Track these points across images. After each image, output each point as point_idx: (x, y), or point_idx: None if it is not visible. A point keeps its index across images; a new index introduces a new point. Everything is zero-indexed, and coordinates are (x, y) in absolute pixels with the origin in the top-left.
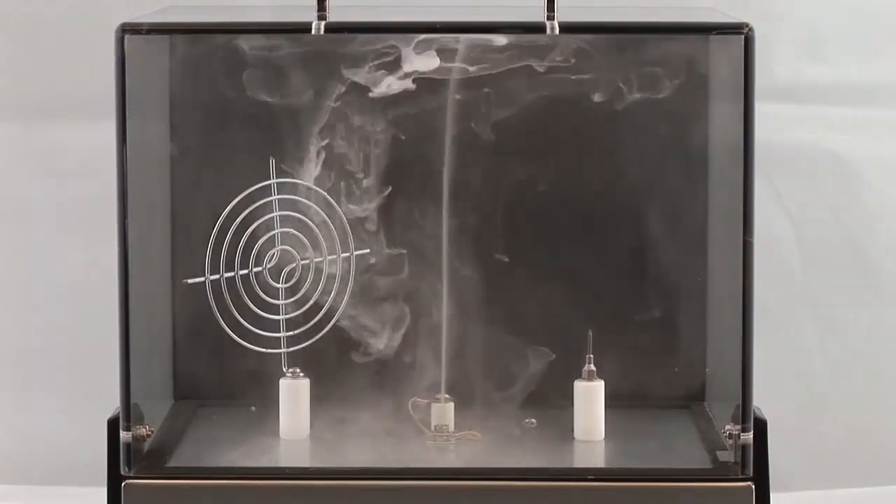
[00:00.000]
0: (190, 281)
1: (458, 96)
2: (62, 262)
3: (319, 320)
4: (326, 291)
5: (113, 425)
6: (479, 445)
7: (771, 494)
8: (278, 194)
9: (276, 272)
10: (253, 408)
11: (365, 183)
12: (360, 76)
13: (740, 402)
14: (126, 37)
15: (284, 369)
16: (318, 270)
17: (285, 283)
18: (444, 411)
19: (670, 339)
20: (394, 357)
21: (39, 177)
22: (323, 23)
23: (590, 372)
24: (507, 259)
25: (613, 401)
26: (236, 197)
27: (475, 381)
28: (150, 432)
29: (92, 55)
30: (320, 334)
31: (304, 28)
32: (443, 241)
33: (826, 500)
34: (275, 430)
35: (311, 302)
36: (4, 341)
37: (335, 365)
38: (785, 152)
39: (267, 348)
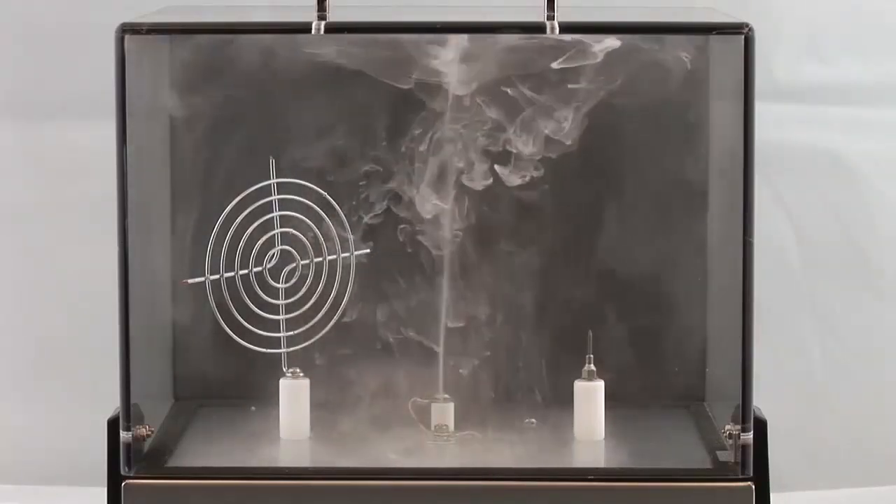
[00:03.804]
0: (190, 281)
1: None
2: (62, 262)
3: (319, 320)
4: (326, 291)
5: (113, 425)
6: (479, 445)
7: (771, 494)
8: (278, 194)
9: (276, 272)
10: (253, 408)
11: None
12: None
13: (740, 402)
14: (126, 37)
15: (284, 369)
16: (318, 270)
17: (285, 283)
18: (444, 411)
19: (670, 339)
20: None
21: (39, 177)
22: (323, 23)
23: (590, 372)
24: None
25: (613, 401)
26: (236, 197)
27: (475, 380)
28: (150, 432)
29: (92, 55)
30: (320, 334)
31: (304, 28)
32: (444, 240)
33: (826, 500)
34: (275, 430)
35: (311, 302)
36: (4, 341)
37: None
38: (785, 152)
39: (267, 348)
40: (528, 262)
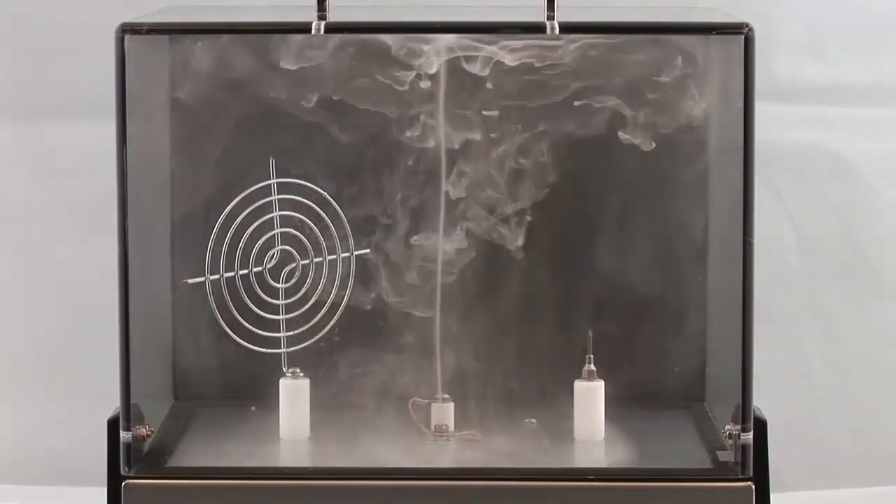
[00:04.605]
0: (190, 281)
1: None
2: (62, 262)
3: (319, 320)
4: (326, 291)
5: (113, 425)
6: (479, 445)
7: (771, 494)
8: (278, 194)
9: (276, 272)
10: (253, 408)
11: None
12: None
13: (740, 402)
14: (126, 37)
15: (284, 369)
16: (318, 270)
17: (285, 283)
18: (444, 411)
19: (670, 339)
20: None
21: (39, 177)
22: (323, 23)
23: (590, 372)
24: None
25: (613, 401)
26: (236, 197)
27: (474, 381)
28: (150, 432)
29: (92, 55)
30: (320, 334)
31: (305, 28)
32: (439, 238)
33: (826, 500)
34: (275, 430)
35: (311, 302)
36: (4, 341)
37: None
38: (785, 152)
39: (267, 348)
40: (528, 262)
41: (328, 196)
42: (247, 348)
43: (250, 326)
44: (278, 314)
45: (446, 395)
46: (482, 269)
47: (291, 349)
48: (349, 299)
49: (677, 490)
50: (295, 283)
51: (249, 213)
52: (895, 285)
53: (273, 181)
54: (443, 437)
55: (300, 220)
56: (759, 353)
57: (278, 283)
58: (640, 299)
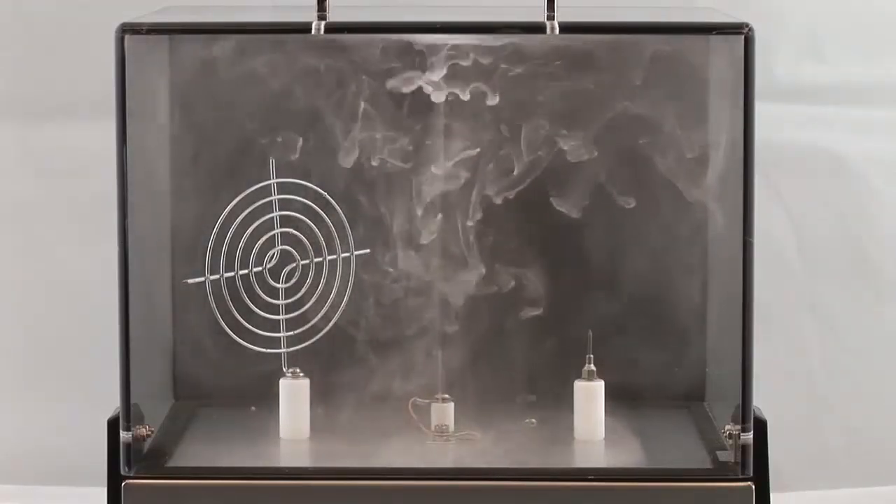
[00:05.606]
0: (190, 281)
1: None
2: (62, 262)
3: (319, 320)
4: (326, 291)
5: (113, 425)
6: (478, 445)
7: (771, 494)
8: (278, 194)
9: (276, 272)
10: (253, 408)
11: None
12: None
13: (740, 402)
14: (126, 37)
15: (284, 369)
16: (318, 270)
17: (285, 283)
18: (444, 411)
19: (670, 339)
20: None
21: (39, 177)
22: (323, 23)
23: (590, 372)
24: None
25: (613, 401)
26: (236, 197)
27: (474, 381)
28: (150, 432)
29: (92, 55)
30: (320, 334)
31: (304, 28)
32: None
33: (826, 500)
34: (275, 430)
35: (311, 302)
36: (4, 341)
37: (335, 364)
38: (785, 152)
39: (267, 348)
40: (528, 262)
41: (328, 196)
42: (247, 348)
43: (250, 326)
44: (278, 314)
45: (446, 395)
46: (483, 270)
47: (291, 349)
48: (349, 298)
49: (677, 490)
50: (295, 283)
51: (249, 213)
52: (895, 285)
53: (273, 181)
54: (443, 437)
55: (300, 219)
56: (759, 353)
57: (278, 283)
58: (640, 299)
